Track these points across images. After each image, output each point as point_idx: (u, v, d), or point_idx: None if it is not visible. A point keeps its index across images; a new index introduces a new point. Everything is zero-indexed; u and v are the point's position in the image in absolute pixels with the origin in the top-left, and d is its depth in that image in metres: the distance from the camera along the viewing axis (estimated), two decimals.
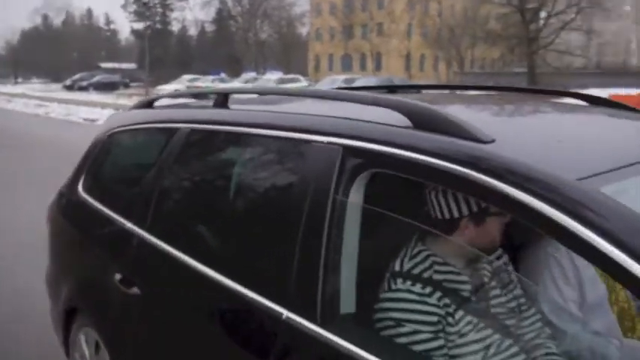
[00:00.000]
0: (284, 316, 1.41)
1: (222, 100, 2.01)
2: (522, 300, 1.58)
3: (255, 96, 2.32)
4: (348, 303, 1.38)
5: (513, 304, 1.55)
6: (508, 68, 36.37)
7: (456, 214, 1.41)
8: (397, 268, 1.45)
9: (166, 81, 41.06)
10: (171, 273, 1.86)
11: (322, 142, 1.48)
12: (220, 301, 1.64)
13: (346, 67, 58.01)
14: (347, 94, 1.61)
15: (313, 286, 1.36)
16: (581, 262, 1.73)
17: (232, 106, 1.98)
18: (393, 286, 1.41)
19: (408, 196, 1.48)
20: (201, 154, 2.06)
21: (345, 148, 1.42)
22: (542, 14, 30.95)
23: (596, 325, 1.71)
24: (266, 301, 1.46)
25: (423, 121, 1.34)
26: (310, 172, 1.48)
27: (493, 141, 1.23)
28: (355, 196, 1.41)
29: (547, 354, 1.54)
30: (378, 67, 53.55)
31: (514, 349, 1.46)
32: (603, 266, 0.99)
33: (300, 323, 1.37)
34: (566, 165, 1.15)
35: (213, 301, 1.66)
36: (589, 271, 1.73)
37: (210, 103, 2.07)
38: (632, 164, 1.20)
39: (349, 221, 1.40)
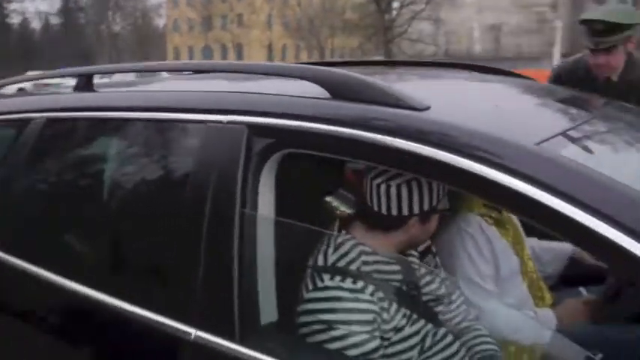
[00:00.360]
0: (192, 336, 1.15)
1: (86, 82, 1.67)
2: (447, 283, 1.47)
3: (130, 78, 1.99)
4: (268, 310, 1.16)
5: (442, 289, 1.43)
6: (367, 57, 37.71)
7: (405, 212, 1.25)
8: (321, 261, 1.25)
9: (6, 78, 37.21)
10: (34, 295, 1.50)
11: (221, 122, 1.23)
12: (106, 326, 1.33)
13: (207, 58, 56.46)
14: (247, 65, 1.37)
15: (227, 296, 1.12)
16: (494, 235, 1.67)
17: (100, 90, 1.65)
18: (320, 284, 1.21)
19: (327, 178, 1.28)
20: (62, 149, 1.70)
21: (251, 127, 1.19)
22: (396, 4, 32.44)
23: (510, 299, 1.67)
24: (167, 320, 1.18)
25: (343, 89, 1.15)
26: (209, 159, 1.23)
27: (428, 108, 1.07)
28: (267, 183, 1.19)
29: (476, 336, 1.44)
30: (239, 57, 52.92)
31: (449, 338, 1.34)
32: (578, 238, 0.87)
33: (214, 342, 1.12)
34: (516, 130, 1.02)
35: (96, 326, 1.35)
36: (501, 243, 1.68)
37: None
38: (575, 126, 1.10)
39: (262, 213, 1.17)
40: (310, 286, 1.22)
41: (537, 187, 0.88)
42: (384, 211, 1.25)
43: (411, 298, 1.31)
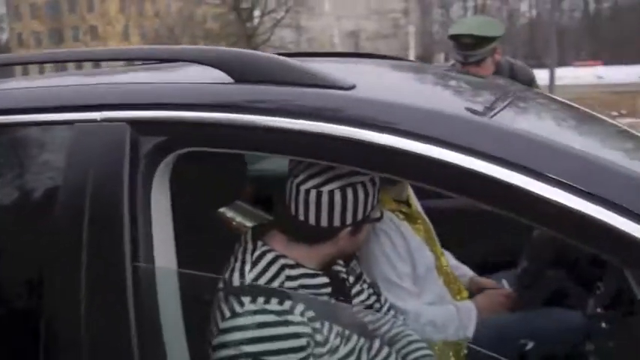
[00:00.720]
0: None
1: None
2: (371, 291, 1.33)
3: None
4: (177, 354, 0.92)
5: (371, 298, 1.28)
6: None
7: (337, 223, 1.07)
8: (237, 281, 1.03)
9: None
10: None
11: (95, 121, 0.96)
12: None
13: (60, 71, 53.12)
14: (127, 50, 1.08)
15: (122, 345, 0.86)
16: (407, 231, 1.57)
17: None
18: (239, 309, 0.99)
19: (235, 180, 1.07)
20: None
21: (134, 123, 0.94)
22: (257, 13, 32.61)
23: (429, 295, 1.58)
24: None
25: (248, 71, 0.93)
26: (81, 169, 0.95)
27: (354, 87, 0.90)
28: (161, 194, 0.95)
29: (409, 342, 1.31)
30: None
31: (384, 351, 1.19)
32: (551, 221, 0.74)
33: None
34: (459, 105, 0.88)
35: None
36: (415, 239, 1.59)
37: None
38: (510, 101, 0.99)
39: (158, 232, 0.93)
40: (227, 314, 0.99)
41: (500, 166, 0.74)
42: (312, 221, 1.07)
43: (342, 313, 1.14)
